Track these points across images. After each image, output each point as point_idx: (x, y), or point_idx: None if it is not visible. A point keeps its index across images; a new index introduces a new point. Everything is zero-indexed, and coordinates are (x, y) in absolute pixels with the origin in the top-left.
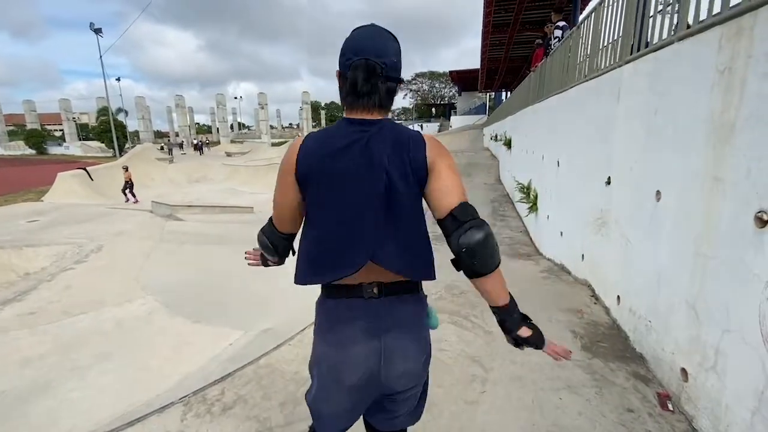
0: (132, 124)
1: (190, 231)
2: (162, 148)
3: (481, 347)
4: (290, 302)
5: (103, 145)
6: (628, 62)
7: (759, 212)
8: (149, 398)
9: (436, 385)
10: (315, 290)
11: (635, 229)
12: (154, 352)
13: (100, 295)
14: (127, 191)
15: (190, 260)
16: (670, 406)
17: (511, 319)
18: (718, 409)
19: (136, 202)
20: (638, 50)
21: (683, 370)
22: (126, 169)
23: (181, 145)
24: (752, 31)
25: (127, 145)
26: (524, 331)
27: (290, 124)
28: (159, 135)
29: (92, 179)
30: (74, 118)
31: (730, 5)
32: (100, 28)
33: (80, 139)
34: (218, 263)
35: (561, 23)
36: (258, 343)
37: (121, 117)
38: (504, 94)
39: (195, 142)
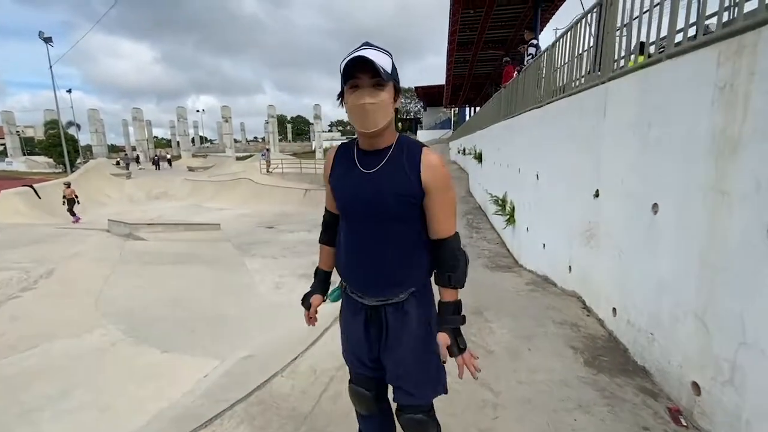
0: (84, 138)
1: (153, 251)
2: (118, 163)
3: (485, 369)
4: (266, 324)
5: (51, 160)
6: (611, 79)
7: None
8: None
9: (448, 413)
10: (285, 307)
11: (630, 241)
12: (119, 389)
13: (53, 326)
14: (72, 209)
15: (154, 282)
16: (683, 421)
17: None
18: (737, 424)
19: (77, 221)
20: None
21: (694, 384)
22: (68, 185)
23: (137, 159)
24: (755, 48)
25: (78, 160)
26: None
27: (255, 137)
28: (113, 149)
29: (39, 197)
30: (18, 131)
31: (723, 23)
32: (50, 37)
33: (25, 154)
34: (185, 284)
35: (534, 41)
36: (238, 373)
37: (72, 131)
38: (468, 109)
39: (166, 155)
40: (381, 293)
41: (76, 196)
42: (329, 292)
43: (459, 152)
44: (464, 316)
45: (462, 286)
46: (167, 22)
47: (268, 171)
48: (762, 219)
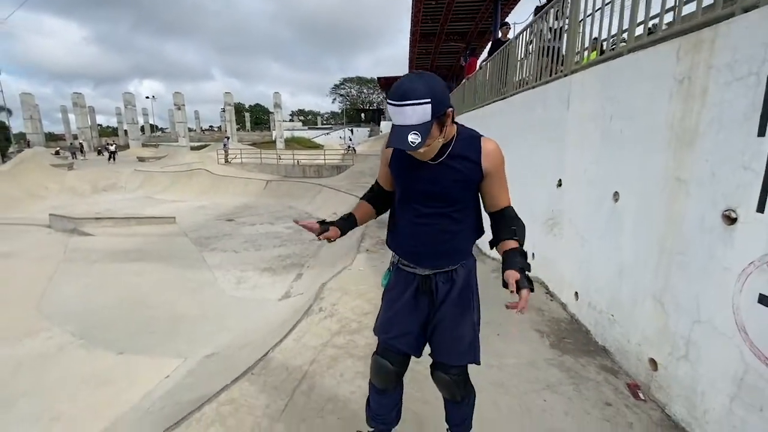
0: (16, 126)
1: (102, 247)
2: (57, 153)
3: None
4: (229, 321)
5: None
6: (574, 71)
7: (726, 210)
8: None
9: (421, 401)
10: (249, 302)
11: (592, 228)
12: (70, 396)
13: None
14: None
15: (105, 281)
16: (641, 395)
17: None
18: (693, 396)
19: None
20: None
21: (651, 360)
22: None
23: (81, 149)
24: (713, 44)
25: (11, 150)
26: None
27: (210, 126)
28: (51, 138)
29: None
30: None
31: (683, 18)
32: None
33: None
34: (140, 283)
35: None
36: (203, 373)
37: (2, 116)
38: None
39: (110, 145)
40: (436, 264)
41: None
42: (382, 278)
43: None
44: (528, 264)
45: (523, 243)
46: None
47: (227, 161)
48: (716, 205)
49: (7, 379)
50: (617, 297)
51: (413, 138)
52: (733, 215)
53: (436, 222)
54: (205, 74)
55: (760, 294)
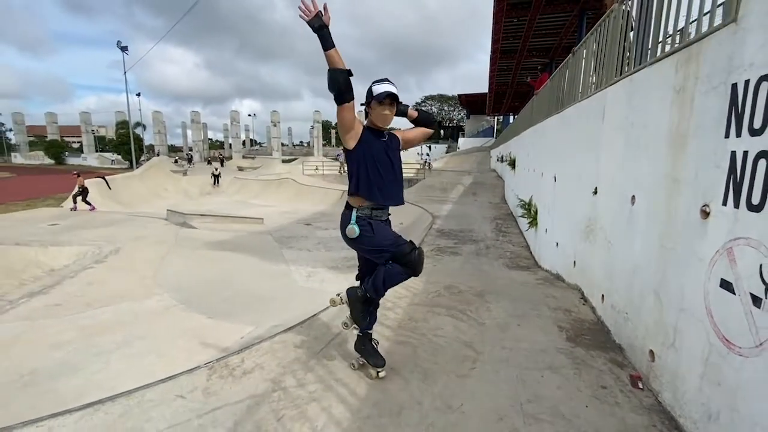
0: (146, 138)
1: (203, 238)
2: (176, 162)
3: (474, 335)
4: (293, 302)
5: (119, 156)
6: (611, 84)
7: (703, 206)
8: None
9: (431, 362)
10: (315, 292)
11: (616, 232)
12: (171, 342)
13: (120, 292)
14: (79, 198)
15: (203, 264)
16: (640, 385)
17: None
18: (676, 380)
19: (93, 209)
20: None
21: (651, 352)
22: (78, 174)
23: (190, 159)
24: (698, 57)
25: (142, 158)
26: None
27: (301, 142)
28: (172, 150)
29: (110, 188)
30: (93, 130)
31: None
32: (126, 46)
33: (97, 151)
34: (229, 267)
35: None
36: (268, 336)
37: (138, 131)
38: (511, 118)
39: (216, 169)
40: (397, 204)
41: (85, 187)
42: (354, 230)
43: (498, 160)
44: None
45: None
46: (206, 28)
47: (340, 172)
48: (697, 202)
49: (131, 325)
50: (630, 296)
51: (394, 90)
52: (708, 210)
53: (396, 176)
54: (296, 94)
55: (721, 279)
